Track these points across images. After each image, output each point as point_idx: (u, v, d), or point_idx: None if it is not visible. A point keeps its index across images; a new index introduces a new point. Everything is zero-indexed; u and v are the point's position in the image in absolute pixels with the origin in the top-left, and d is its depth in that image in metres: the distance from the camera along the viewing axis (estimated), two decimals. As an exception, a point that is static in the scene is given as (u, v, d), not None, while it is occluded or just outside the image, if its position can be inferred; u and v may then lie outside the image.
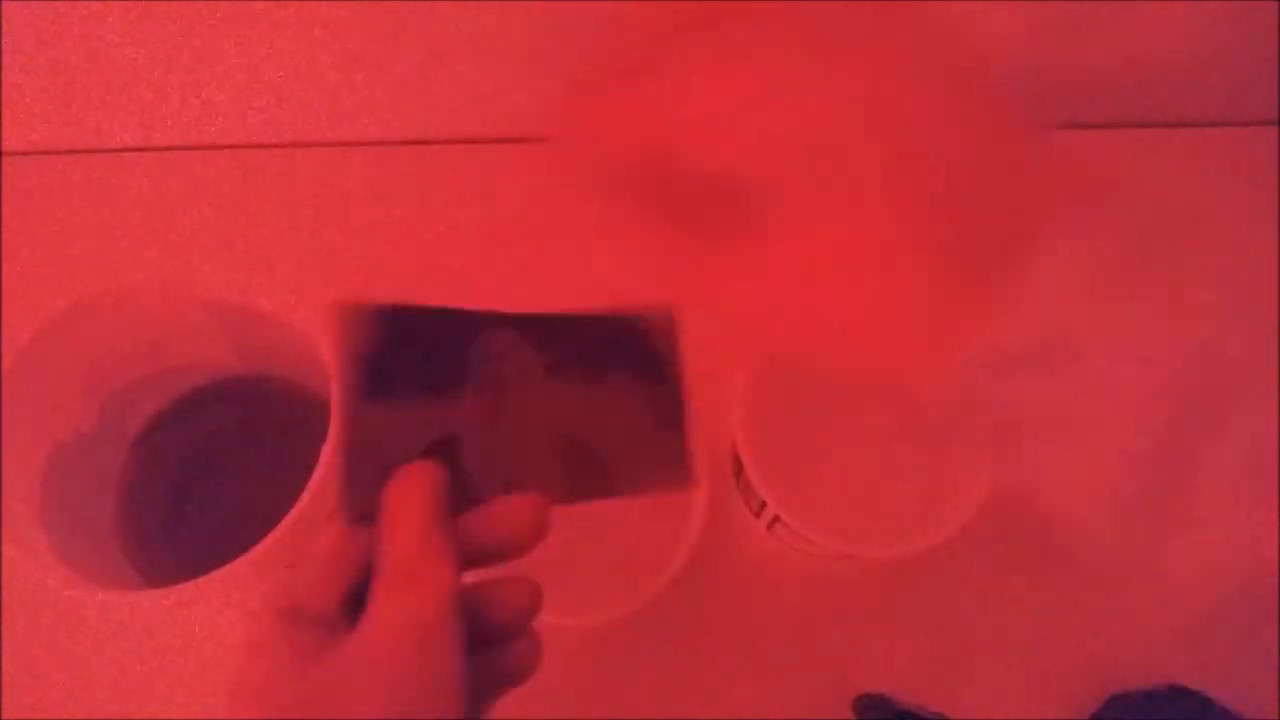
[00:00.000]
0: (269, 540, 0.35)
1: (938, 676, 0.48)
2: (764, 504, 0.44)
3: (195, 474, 0.46)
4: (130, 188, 0.58)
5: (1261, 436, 0.26)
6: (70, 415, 0.41)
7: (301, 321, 0.38)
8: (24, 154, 0.58)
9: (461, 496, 0.29)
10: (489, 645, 0.27)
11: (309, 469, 0.36)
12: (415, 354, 0.30)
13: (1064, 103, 0.62)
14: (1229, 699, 0.45)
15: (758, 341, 0.42)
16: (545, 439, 0.31)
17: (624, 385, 0.32)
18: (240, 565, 0.34)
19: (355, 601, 0.26)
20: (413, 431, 0.30)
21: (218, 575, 0.34)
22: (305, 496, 0.35)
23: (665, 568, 0.43)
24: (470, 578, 0.27)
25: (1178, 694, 0.45)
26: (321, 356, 0.38)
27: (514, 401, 0.31)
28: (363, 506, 0.28)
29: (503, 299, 0.30)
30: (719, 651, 0.48)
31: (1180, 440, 0.26)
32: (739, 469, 0.45)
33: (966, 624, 0.49)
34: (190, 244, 0.56)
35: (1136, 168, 0.61)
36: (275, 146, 0.59)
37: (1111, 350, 0.28)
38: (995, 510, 0.42)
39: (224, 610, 0.47)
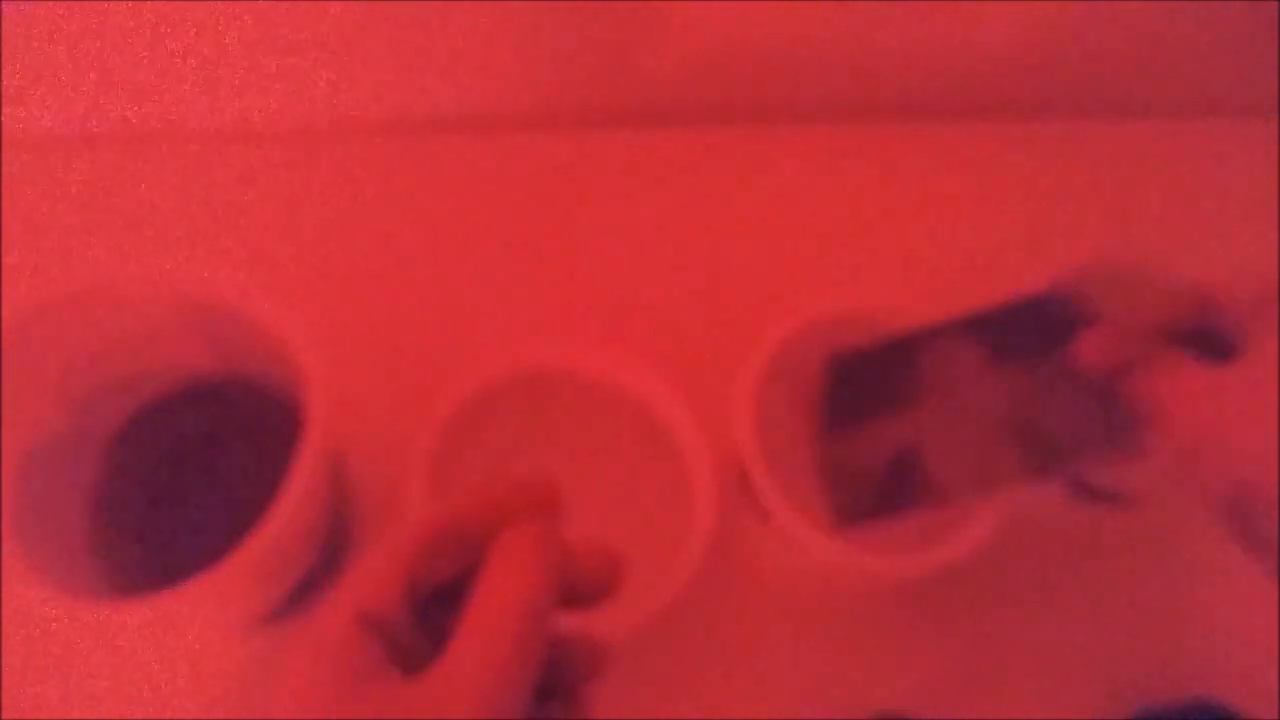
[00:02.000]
0: (248, 548, 0.34)
1: (957, 695, 0.47)
2: (771, 516, 0.42)
3: (170, 478, 0.46)
4: (101, 180, 0.57)
5: None
6: (41, 418, 0.41)
7: (279, 323, 0.38)
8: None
9: (923, 499, 0.35)
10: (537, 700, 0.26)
11: (286, 472, 0.35)
12: (871, 380, 0.36)
13: (1064, 96, 0.63)
14: (1258, 713, 0.45)
15: (763, 344, 0.41)
16: (999, 425, 0.34)
17: (1060, 358, 0.34)
18: (218, 574, 0.34)
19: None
20: (877, 449, 0.36)
21: (193, 585, 0.34)
22: (285, 504, 0.35)
23: (671, 582, 0.43)
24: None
25: (1205, 709, 0.45)
26: (298, 359, 0.37)
27: (966, 398, 0.35)
28: (850, 515, 0.38)
29: (933, 307, 0.35)
30: (728, 669, 0.47)
31: None
32: (745, 480, 0.44)
33: (986, 641, 0.48)
34: (165, 242, 0.56)
35: (1137, 159, 0.60)
36: (261, 138, 0.59)
37: None
38: (1015, 524, 0.42)
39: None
